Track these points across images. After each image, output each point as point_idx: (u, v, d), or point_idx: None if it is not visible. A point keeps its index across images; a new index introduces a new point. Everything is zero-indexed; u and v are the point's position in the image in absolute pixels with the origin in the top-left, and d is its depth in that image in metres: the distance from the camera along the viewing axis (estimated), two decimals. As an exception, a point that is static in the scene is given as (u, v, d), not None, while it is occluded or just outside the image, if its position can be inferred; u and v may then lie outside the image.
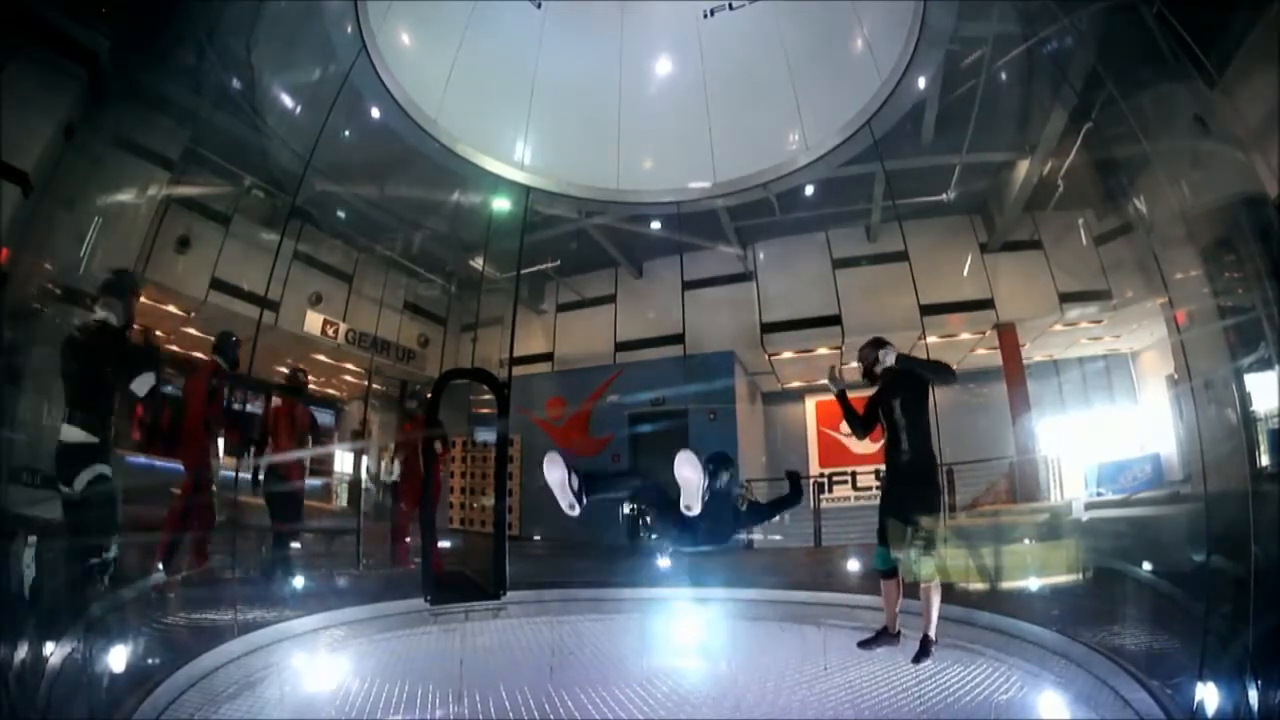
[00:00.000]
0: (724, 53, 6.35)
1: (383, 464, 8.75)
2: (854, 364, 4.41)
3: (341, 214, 9.04)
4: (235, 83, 6.45)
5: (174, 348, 7.79)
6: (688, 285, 9.35)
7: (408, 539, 6.71)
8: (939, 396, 3.99)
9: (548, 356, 10.96)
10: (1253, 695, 2.79)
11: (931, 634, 3.70)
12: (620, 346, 10.51)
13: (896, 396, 3.86)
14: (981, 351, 9.82)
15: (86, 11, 5.19)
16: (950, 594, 4.38)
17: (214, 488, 5.24)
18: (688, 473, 3.34)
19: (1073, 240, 8.66)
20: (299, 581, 5.60)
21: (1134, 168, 5.81)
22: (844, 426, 4.28)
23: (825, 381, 4.29)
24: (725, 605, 5.77)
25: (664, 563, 7.24)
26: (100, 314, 3.58)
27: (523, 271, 8.52)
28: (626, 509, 9.57)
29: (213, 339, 5.57)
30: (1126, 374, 10.23)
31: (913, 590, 3.82)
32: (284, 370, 8.23)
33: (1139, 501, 8.31)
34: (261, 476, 5.69)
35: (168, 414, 5.02)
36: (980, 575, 5.52)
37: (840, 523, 9.37)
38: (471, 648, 5.04)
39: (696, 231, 9.24)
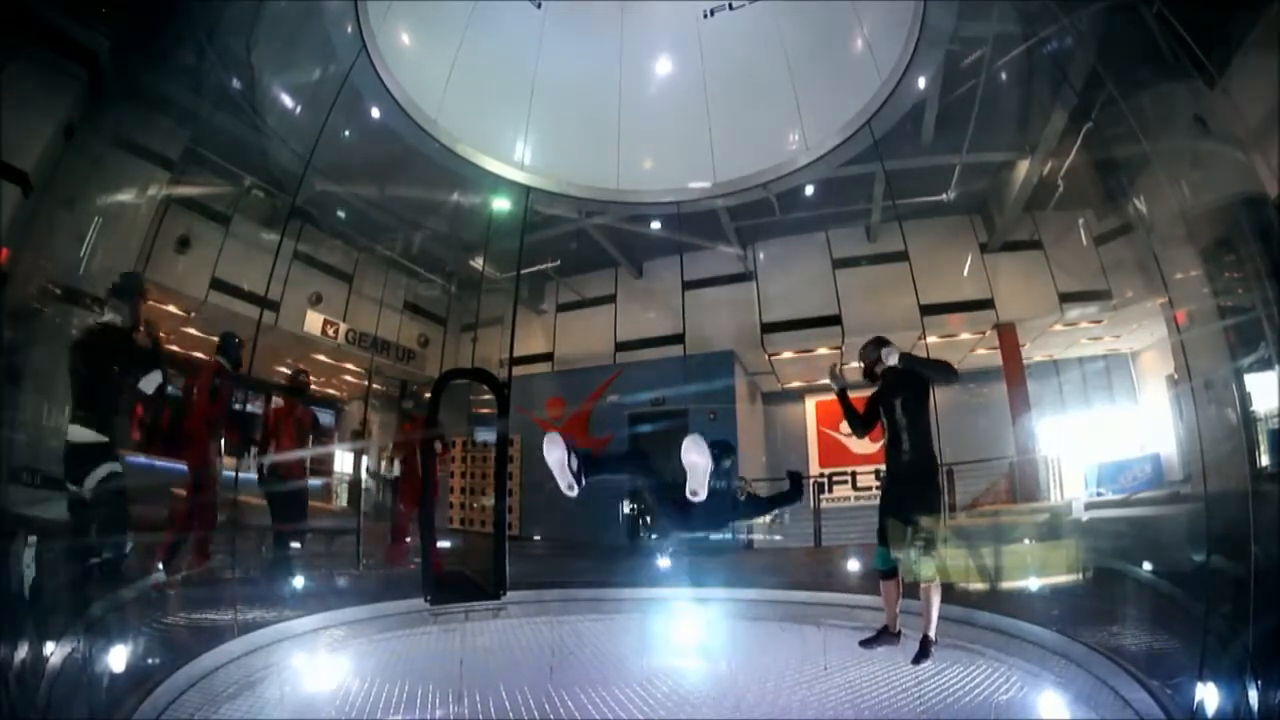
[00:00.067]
0: (724, 53, 6.35)
1: (383, 464, 8.76)
2: (854, 363, 4.41)
3: (341, 214, 9.04)
4: (235, 83, 6.45)
5: (174, 348, 7.79)
6: (688, 285, 9.34)
7: (407, 539, 6.72)
8: (939, 396, 3.98)
9: (548, 356, 10.96)
10: (1253, 695, 2.79)
11: (931, 634, 3.70)
12: (620, 346, 10.51)
13: (897, 396, 3.86)
14: (981, 351, 9.82)
15: (86, 11, 5.19)
16: (950, 594, 4.38)
17: (217, 488, 5.26)
18: (695, 457, 3.32)
19: (1073, 240, 8.66)
20: (299, 581, 5.60)
21: (1134, 168, 5.82)
22: (844, 426, 4.28)
23: (826, 381, 4.29)
24: (725, 605, 5.77)
25: (664, 563, 7.25)
26: (108, 316, 3.66)
27: (523, 271, 8.51)
28: (626, 509, 9.58)
29: (213, 339, 5.58)
30: (1126, 374, 10.23)
31: (913, 590, 3.81)
32: (285, 370, 8.24)
33: (1139, 501, 8.31)
34: (261, 476, 5.71)
35: (168, 414, 5.04)
36: (980, 575, 5.52)
37: (840, 523, 9.37)
38: (471, 648, 5.04)
39: (696, 231, 9.24)
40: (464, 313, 10.83)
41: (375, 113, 6.20)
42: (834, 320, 9.40)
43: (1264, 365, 4.34)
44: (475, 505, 10.51)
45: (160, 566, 4.75)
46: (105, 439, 3.52)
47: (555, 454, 3.22)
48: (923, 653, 3.70)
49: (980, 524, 7.24)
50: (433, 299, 10.81)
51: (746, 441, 9.99)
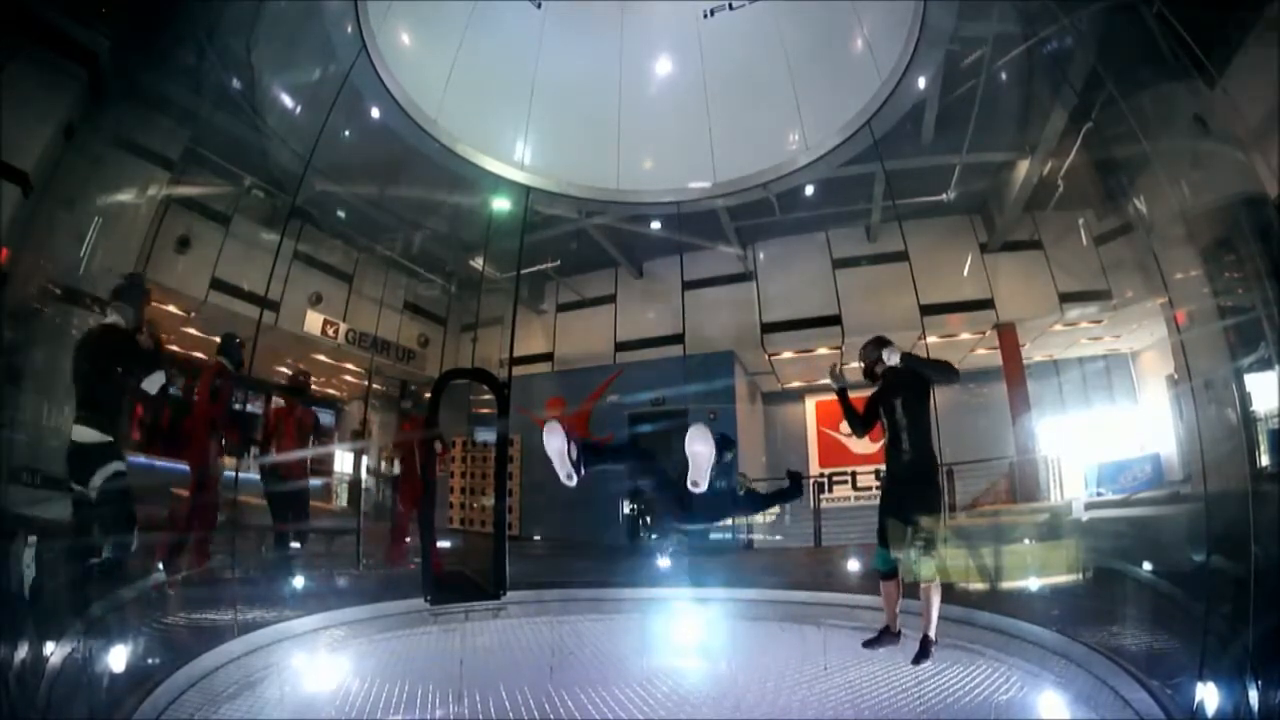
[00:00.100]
0: (724, 53, 6.35)
1: (382, 464, 8.75)
2: (855, 363, 4.41)
3: (341, 214, 9.04)
4: (235, 83, 6.44)
5: (174, 348, 7.79)
6: (688, 285, 9.34)
7: (407, 539, 6.72)
8: (939, 396, 3.98)
9: (548, 356, 10.96)
10: (1253, 695, 2.79)
11: (931, 634, 3.70)
12: (620, 346, 10.52)
13: (898, 396, 3.85)
14: (981, 351, 9.82)
15: (86, 11, 5.18)
16: (950, 594, 4.38)
17: (219, 487, 5.27)
18: (699, 447, 3.31)
19: (1073, 240, 8.65)
20: (299, 581, 5.60)
21: (1134, 168, 5.81)
22: (844, 426, 4.28)
23: (826, 381, 4.29)
24: (725, 605, 5.77)
25: (664, 563, 7.25)
26: (111, 317, 3.70)
27: (523, 271, 8.51)
28: (627, 509, 9.58)
29: (213, 339, 5.59)
30: (1126, 374, 10.23)
31: (913, 590, 3.81)
32: (285, 370, 8.24)
33: (1139, 501, 8.30)
34: (265, 476, 5.73)
35: (169, 414, 5.05)
36: (980, 575, 5.52)
37: (840, 523, 9.37)
38: (471, 648, 5.04)
39: (696, 231, 9.24)
40: (464, 313, 10.82)
41: (375, 113, 6.21)
42: (834, 320, 9.40)
43: (1264, 365, 4.34)
44: (475, 505, 10.51)
45: (160, 566, 4.75)
46: (110, 439, 3.55)
47: (555, 443, 3.22)
48: (923, 653, 3.70)
49: (980, 524, 7.24)
50: (433, 299, 10.81)
51: (746, 441, 9.98)
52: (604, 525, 9.60)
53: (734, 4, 6.20)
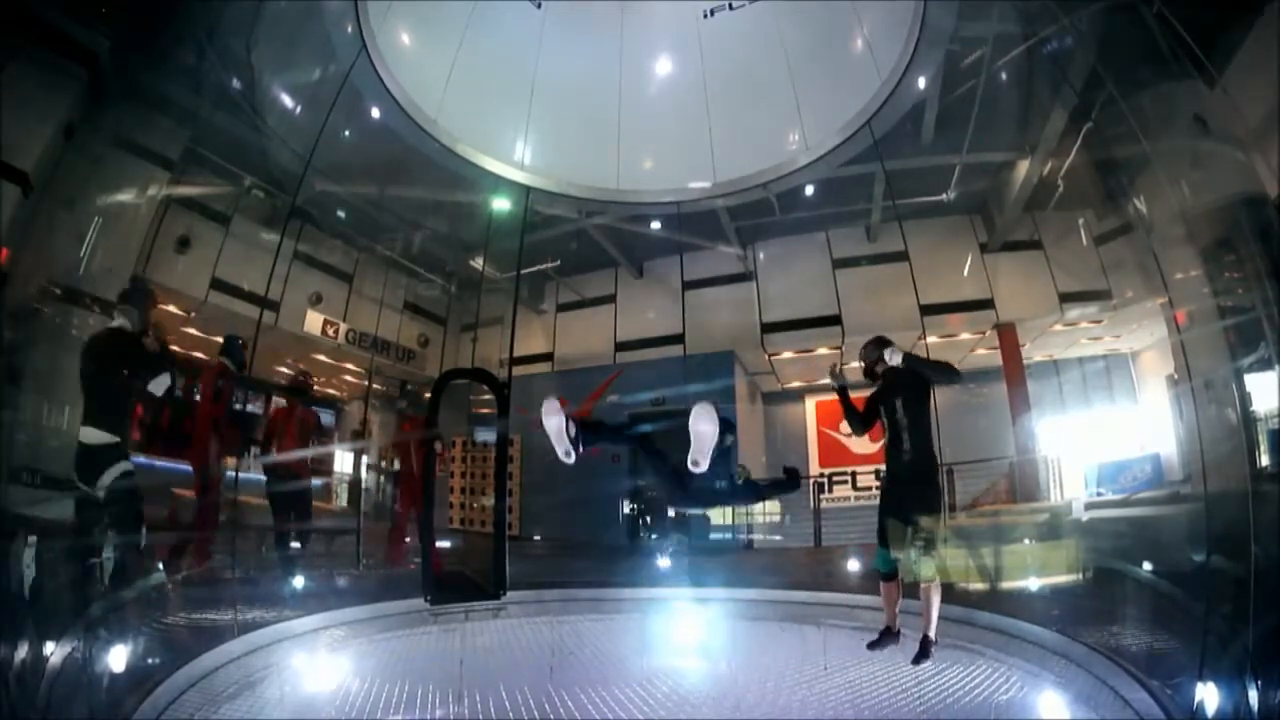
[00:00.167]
0: (724, 53, 6.35)
1: (382, 463, 8.75)
2: (855, 363, 4.40)
3: (341, 214, 9.03)
4: (235, 83, 6.44)
5: (175, 348, 7.79)
6: (688, 285, 9.34)
7: (406, 539, 6.72)
8: (939, 396, 3.98)
9: (548, 356, 10.96)
10: (1253, 695, 2.79)
11: (931, 634, 3.70)
12: (620, 346, 10.51)
13: (898, 396, 3.85)
14: (981, 351, 9.82)
15: (86, 11, 5.18)
16: (950, 594, 4.38)
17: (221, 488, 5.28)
18: (704, 426, 3.31)
19: (1073, 240, 8.65)
20: (299, 581, 5.60)
21: (1134, 168, 5.81)
22: (844, 426, 4.28)
23: (826, 381, 4.28)
24: (725, 605, 5.78)
25: (664, 563, 7.25)
26: (118, 320, 3.76)
27: (523, 271, 8.51)
28: (627, 509, 9.58)
29: (214, 339, 5.60)
30: (1126, 374, 10.23)
31: (913, 590, 3.81)
32: (286, 370, 8.24)
33: (1139, 501, 8.30)
34: (269, 476, 5.74)
35: (170, 414, 5.07)
36: (980, 575, 5.53)
37: (840, 523, 9.37)
38: (471, 648, 5.04)
39: (696, 231, 9.24)
40: (464, 313, 10.82)
41: (375, 113, 6.20)
42: (834, 320, 9.39)
43: (1264, 365, 4.34)
44: (475, 505, 10.51)
45: (160, 566, 4.76)
46: (118, 439, 3.61)
47: (553, 420, 3.22)
48: (923, 653, 3.70)
49: (980, 524, 7.24)
50: (433, 299, 10.81)
51: (746, 441, 9.97)
52: (604, 525, 9.60)
53: (734, 4, 6.20)
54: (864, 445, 10.28)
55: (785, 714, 4.35)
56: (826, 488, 10.64)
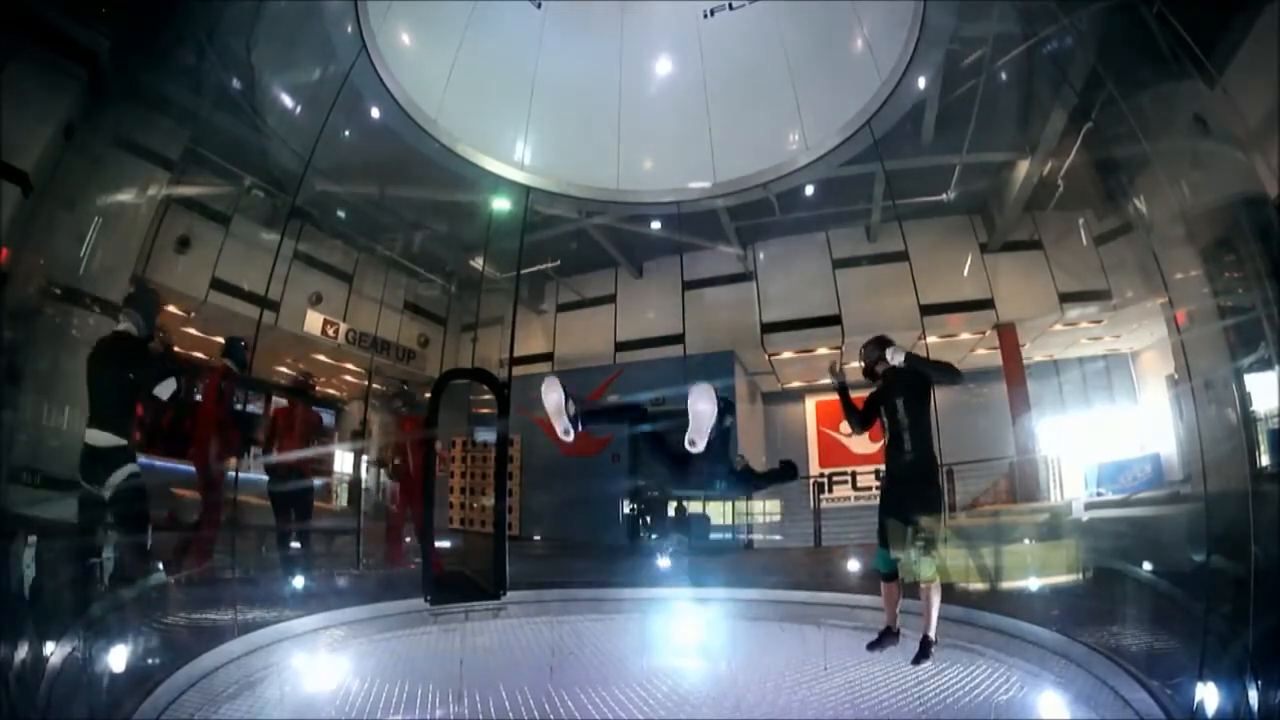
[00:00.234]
0: (724, 53, 6.35)
1: (382, 463, 8.73)
2: (855, 363, 4.40)
3: (341, 214, 9.04)
4: (235, 83, 6.44)
5: (175, 349, 7.79)
6: (688, 285, 9.34)
7: (406, 539, 6.71)
8: (939, 396, 3.98)
9: (548, 356, 10.95)
10: (1253, 695, 2.79)
11: (931, 634, 3.70)
12: (620, 346, 10.52)
13: (899, 396, 3.85)
14: (981, 351, 9.82)
15: (86, 11, 5.18)
16: (950, 594, 4.38)
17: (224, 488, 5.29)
18: (703, 405, 3.28)
19: (1073, 240, 8.65)
20: (299, 581, 5.60)
21: (1134, 168, 5.81)
22: (844, 425, 4.28)
23: (826, 381, 4.28)
24: (725, 605, 5.77)
25: (664, 563, 7.26)
26: (123, 325, 3.82)
27: (523, 271, 8.51)
28: (626, 508, 9.58)
29: (214, 339, 5.61)
30: (1126, 374, 10.23)
31: (913, 590, 3.81)
32: (286, 370, 8.24)
33: (1139, 501, 8.30)
34: (270, 476, 5.76)
35: (171, 416, 5.08)
36: (980, 575, 5.52)
37: (840, 523, 9.37)
38: (471, 648, 5.04)
39: (696, 231, 9.24)
40: (464, 313, 10.83)
41: (375, 113, 6.20)
42: (834, 320, 9.40)
43: (1264, 365, 4.34)
44: (475, 505, 10.51)
45: (160, 566, 4.76)
46: (124, 442, 3.66)
47: (553, 396, 3.22)
48: (923, 653, 3.70)
49: (980, 524, 7.24)
50: (433, 299, 10.81)
51: (747, 441, 9.99)
52: (604, 525, 9.60)
53: (734, 4, 6.20)
54: (864, 445, 10.29)
55: (785, 714, 4.35)
56: (826, 488, 10.65)
